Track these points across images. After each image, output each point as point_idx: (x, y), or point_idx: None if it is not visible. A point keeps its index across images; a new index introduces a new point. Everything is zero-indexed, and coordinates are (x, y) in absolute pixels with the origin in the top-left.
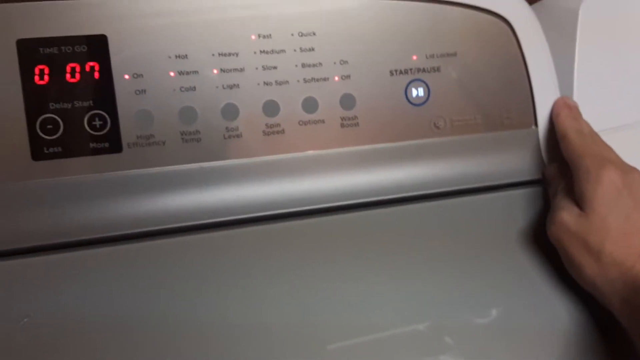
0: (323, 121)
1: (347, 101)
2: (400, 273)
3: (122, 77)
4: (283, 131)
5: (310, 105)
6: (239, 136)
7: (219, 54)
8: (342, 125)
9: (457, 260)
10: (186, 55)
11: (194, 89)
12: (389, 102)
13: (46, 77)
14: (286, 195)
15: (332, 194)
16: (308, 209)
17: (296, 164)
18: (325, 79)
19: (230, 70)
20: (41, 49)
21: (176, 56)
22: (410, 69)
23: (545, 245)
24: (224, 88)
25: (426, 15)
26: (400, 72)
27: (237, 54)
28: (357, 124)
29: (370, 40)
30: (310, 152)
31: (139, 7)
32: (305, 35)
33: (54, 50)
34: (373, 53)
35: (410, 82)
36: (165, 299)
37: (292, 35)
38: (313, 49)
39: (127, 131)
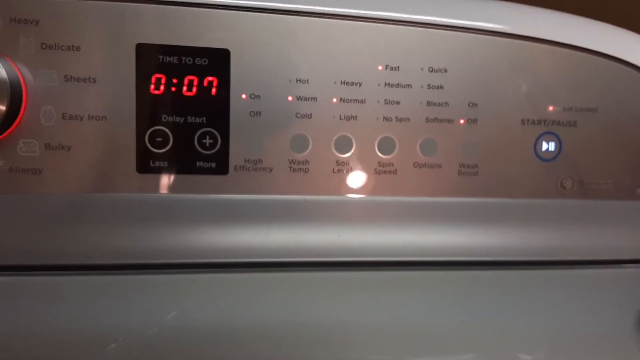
0: (440, 166)
1: (470, 147)
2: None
3: (240, 97)
4: (395, 171)
5: (429, 146)
6: (348, 171)
7: (341, 82)
8: (460, 173)
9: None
10: (307, 80)
11: (310, 116)
12: (515, 153)
13: (162, 87)
14: (391, 242)
15: (439, 247)
16: (410, 259)
17: (405, 209)
18: (449, 121)
19: (350, 101)
20: (161, 57)
21: (297, 80)
22: (544, 120)
23: None
24: (340, 119)
25: (569, 63)
26: (533, 123)
27: (360, 84)
28: (476, 173)
29: (505, 84)
30: (422, 198)
31: (265, 25)
32: (436, 72)
33: (174, 59)
34: (506, 98)
35: (541, 135)
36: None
37: (422, 70)
38: (441, 87)
39: (236, 153)
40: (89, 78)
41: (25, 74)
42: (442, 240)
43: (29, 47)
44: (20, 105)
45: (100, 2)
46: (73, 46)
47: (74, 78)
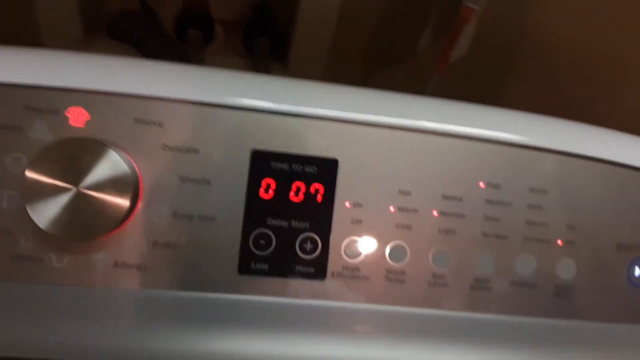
0: (535, 285)
1: (566, 268)
2: None
3: (343, 204)
4: (491, 288)
5: (526, 265)
6: (444, 285)
7: (443, 196)
8: (555, 294)
9: None
10: (410, 192)
11: (409, 227)
12: (608, 276)
13: (271, 192)
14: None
15: None
16: None
17: (499, 328)
18: (547, 241)
19: (450, 215)
20: (272, 163)
21: (400, 191)
22: (638, 246)
23: None
24: (439, 232)
25: None
26: (627, 247)
27: (461, 199)
28: (571, 295)
29: (603, 208)
30: (516, 318)
31: (373, 137)
32: (536, 192)
33: (285, 166)
34: (603, 222)
35: (634, 260)
36: None
37: (523, 189)
38: (541, 207)
39: (335, 260)
40: (204, 180)
41: (143, 172)
42: None
43: (151, 147)
44: (135, 202)
45: (220, 109)
46: (192, 149)
47: (189, 179)
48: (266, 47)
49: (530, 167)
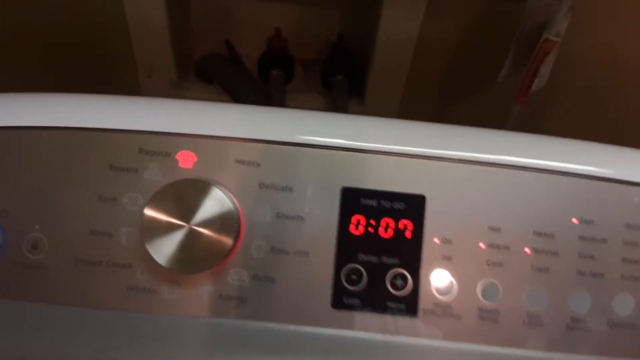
0: (636, 326)
1: None
2: None
3: (432, 240)
4: (589, 329)
5: (625, 304)
6: (539, 324)
7: (534, 232)
8: None
9: None
10: (500, 228)
11: (501, 264)
12: None
13: (361, 228)
14: None
15: None
16: None
17: None
18: None
19: (543, 252)
20: (362, 200)
21: (489, 227)
22: None
23: None
24: (532, 269)
25: None
26: None
27: (553, 236)
28: None
29: None
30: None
31: (460, 173)
32: (632, 229)
33: (374, 202)
34: None
35: None
36: None
37: (618, 225)
38: (637, 244)
39: (426, 296)
40: (298, 216)
41: (244, 210)
42: None
43: (249, 186)
44: (237, 237)
45: (313, 149)
46: (287, 187)
47: (285, 215)
48: (343, 84)
49: (626, 203)
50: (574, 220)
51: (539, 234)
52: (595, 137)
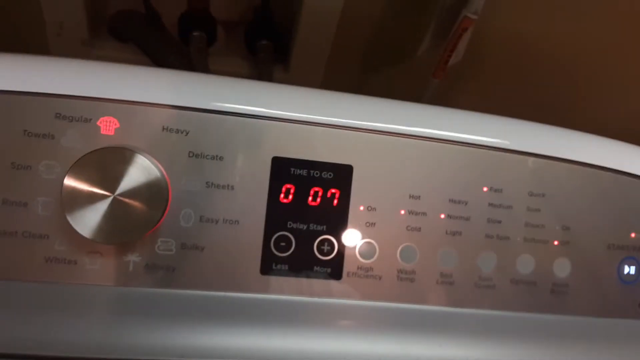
0: (535, 283)
1: (562, 267)
2: None
3: (357, 208)
4: (494, 286)
5: (526, 264)
6: (451, 284)
7: (449, 200)
8: (552, 292)
9: None
10: (419, 196)
11: (419, 229)
12: (600, 275)
13: (291, 197)
14: (483, 353)
15: None
16: None
17: (500, 323)
18: (544, 242)
19: (456, 217)
20: (292, 170)
21: (410, 196)
22: (627, 246)
23: None
24: (446, 233)
25: None
26: (617, 247)
27: (466, 203)
28: (567, 292)
29: (595, 211)
30: (516, 314)
31: (386, 145)
32: (535, 196)
33: (303, 172)
34: (595, 224)
35: (624, 259)
36: None
37: (523, 193)
38: (539, 210)
39: (350, 261)
40: (228, 185)
41: (172, 179)
42: (534, 357)
43: (178, 155)
44: (165, 207)
45: (243, 118)
46: (217, 156)
47: (214, 185)
48: (269, 50)
49: (531, 173)
50: (484, 188)
51: (453, 201)
52: (504, 111)
